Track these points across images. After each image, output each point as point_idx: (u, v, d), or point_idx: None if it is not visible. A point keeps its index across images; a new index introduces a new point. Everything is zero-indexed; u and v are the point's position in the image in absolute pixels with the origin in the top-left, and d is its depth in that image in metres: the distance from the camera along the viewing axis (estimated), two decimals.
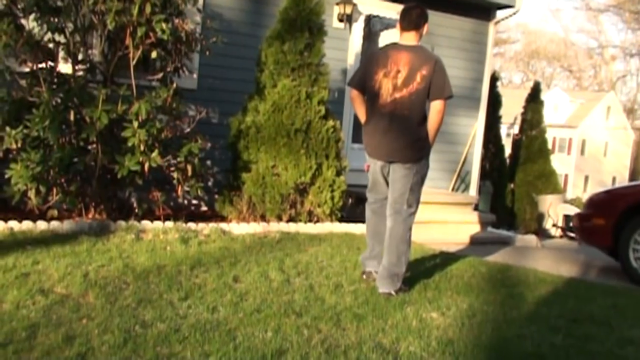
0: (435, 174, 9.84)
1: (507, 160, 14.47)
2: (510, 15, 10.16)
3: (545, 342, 3.72)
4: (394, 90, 4.43)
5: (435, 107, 4.45)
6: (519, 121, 15.19)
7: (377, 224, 4.77)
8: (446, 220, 8.02)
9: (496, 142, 13.71)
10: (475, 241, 7.83)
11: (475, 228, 8.26)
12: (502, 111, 13.90)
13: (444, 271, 5.37)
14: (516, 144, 14.93)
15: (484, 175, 12.42)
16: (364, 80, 4.63)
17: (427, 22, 4.68)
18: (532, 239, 8.79)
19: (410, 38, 4.60)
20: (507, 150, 14.55)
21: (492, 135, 13.28)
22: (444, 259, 5.95)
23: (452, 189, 10.07)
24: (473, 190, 10.34)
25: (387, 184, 4.64)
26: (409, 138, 4.46)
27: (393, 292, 4.40)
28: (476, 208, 9.35)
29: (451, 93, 4.47)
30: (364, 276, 4.77)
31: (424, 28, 4.66)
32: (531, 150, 14.42)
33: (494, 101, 12.85)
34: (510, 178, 14.31)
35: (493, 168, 13.60)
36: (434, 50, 9.50)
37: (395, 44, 4.65)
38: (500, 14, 10.18)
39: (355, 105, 4.76)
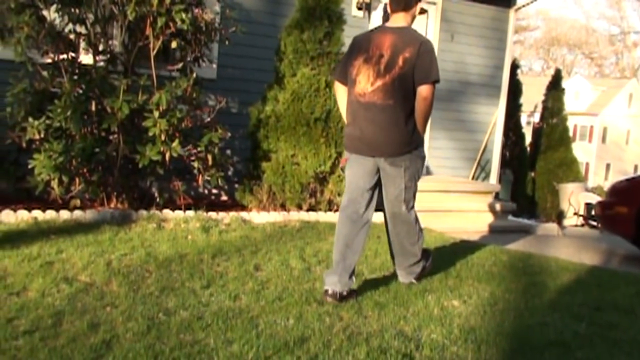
0: (455, 162, 9.83)
1: (528, 149, 14.36)
2: (531, 2, 10.06)
3: (568, 330, 3.69)
4: (376, 77, 3.96)
5: (421, 93, 3.93)
6: (539, 109, 15.05)
7: (350, 234, 4.01)
8: (466, 208, 7.99)
9: (516, 130, 13.61)
10: (495, 230, 7.80)
11: (496, 216, 8.22)
12: (523, 99, 13.78)
13: (465, 259, 5.35)
14: (537, 132, 14.80)
15: (504, 163, 12.33)
16: (345, 69, 4.16)
17: (419, 1, 4.20)
18: (553, 227, 8.73)
19: (399, 19, 4.13)
20: (528, 139, 14.43)
21: (513, 123, 13.18)
22: (465, 248, 5.93)
23: (472, 178, 10.02)
24: (493, 179, 10.28)
25: (369, 183, 4.08)
26: (394, 130, 3.96)
27: (415, 280, 4.36)
28: (497, 196, 9.30)
29: (438, 77, 3.94)
30: (325, 296, 3.86)
31: (415, 8, 4.17)
32: (552, 138, 14.29)
33: (514, 89, 12.73)
34: (531, 166, 14.20)
35: (513, 156, 13.50)
36: (454, 38, 9.46)
37: (382, 26, 4.23)
38: (520, 0, 10.08)
39: (337, 99, 4.32)
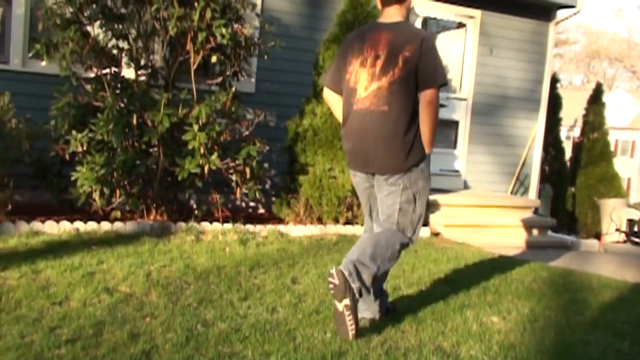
0: (493, 177, 9.74)
1: (568, 164, 14.14)
2: (571, 16, 9.94)
3: (611, 348, 3.62)
4: (371, 80, 3.47)
5: (425, 98, 3.42)
6: (579, 123, 14.83)
7: None
8: (505, 223, 7.89)
9: (556, 144, 13.41)
10: (535, 245, 7.68)
11: (535, 232, 8.10)
12: (562, 113, 13.59)
13: (504, 275, 5.28)
14: (577, 146, 14.56)
15: (543, 178, 12.17)
16: (337, 74, 3.67)
17: None
18: (594, 243, 8.56)
19: (392, 14, 3.59)
20: (568, 153, 14.22)
21: (552, 137, 12.99)
22: (503, 263, 5.85)
23: (511, 192, 9.90)
24: (532, 194, 10.14)
25: (371, 203, 3.74)
26: (389, 142, 3.45)
27: (341, 280, 3.22)
28: (536, 212, 9.17)
29: (445, 80, 3.47)
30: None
31: (409, 0, 3.65)
32: (593, 153, 14.04)
33: (554, 103, 12.56)
34: (571, 181, 13.96)
35: (553, 171, 13.31)
36: (493, 52, 9.40)
37: (374, 23, 3.72)
38: (560, 14, 9.97)
39: (332, 108, 3.84)
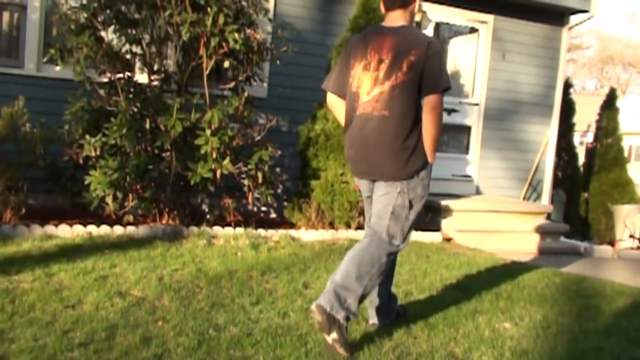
0: (505, 182, 9.70)
1: (581, 169, 14.06)
2: (585, 20, 9.89)
3: (625, 355, 3.59)
4: (374, 85, 3.40)
5: (429, 104, 3.35)
6: (592, 129, 14.76)
7: None
8: (517, 229, 7.86)
9: (569, 150, 13.34)
10: (547, 251, 7.64)
11: (548, 238, 8.06)
12: (575, 119, 13.52)
13: (516, 281, 5.26)
14: (590, 152, 14.47)
15: (556, 184, 12.10)
16: (341, 78, 3.60)
17: None
18: (608, 249, 8.51)
19: (396, 18, 3.53)
20: (581, 159, 14.14)
21: (565, 143, 12.93)
22: (516, 269, 5.83)
23: (524, 198, 9.86)
24: (545, 200, 10.09)
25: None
26: (389, 147, 3.36)
27: (323, 317, 3.12)
28: (549, 218, 9.13)
29: (449, 84, 3.38)
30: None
31: (414, 4, 3.57)
32: (606, 158, 13.95)
33: (567, 108, 12.50)
34: (584, 187, 13.88)
35: (566, 177, 13.23)
36: (505, 57, 9.38)
37: (377, 27, 3.65)
38: (574, 19, 9.93)
39: (335, 113, 3.75)
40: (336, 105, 3.67)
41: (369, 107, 3.41)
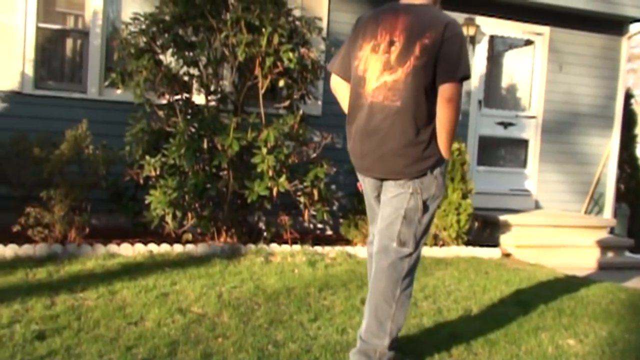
0: (565, 196, 9.48)
1: None
2: None
3: None
4: (383, 69, 3.01)
5: (443, 94, 2.95)
6: None
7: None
8: (579, 244, 7.67)
9: (631, 162, 12.96)
10: (611, 266, 7.43)
11: (611, 252, 7.84)
12: (638, 130, 13.16)
13: (579, 297, 5.12)
14: None
15: (619, 197, 11.76)
16: (347, 60, 3.23)
17: None
18: None
19: None
20: None
21: (627, 154, 12.57)
22: (578, 285, 5.68)
23: (585, 212, 9.62)
24: (608, 213, 9.82)
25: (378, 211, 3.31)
26: (400, 142, 3.00)
27: None
28: (612, 232, 8.87)
29: (468, 72, 2.96)
30: None
31: None
32: None
33: (628, 119, 12.17)
34: None
35: (629, 190, 12.84)
36: (563, 69, 9.21)
37: (393, 3, 3.20)
38: (633, 27, 9.69)
39: (338, 98, 3.40)
40: (340, 90, 3.34)
41: (379, 95, 3.03)
